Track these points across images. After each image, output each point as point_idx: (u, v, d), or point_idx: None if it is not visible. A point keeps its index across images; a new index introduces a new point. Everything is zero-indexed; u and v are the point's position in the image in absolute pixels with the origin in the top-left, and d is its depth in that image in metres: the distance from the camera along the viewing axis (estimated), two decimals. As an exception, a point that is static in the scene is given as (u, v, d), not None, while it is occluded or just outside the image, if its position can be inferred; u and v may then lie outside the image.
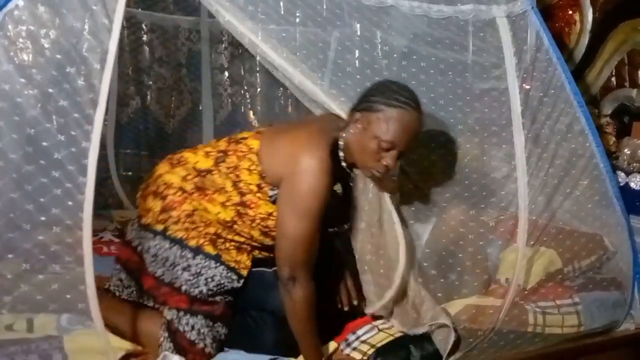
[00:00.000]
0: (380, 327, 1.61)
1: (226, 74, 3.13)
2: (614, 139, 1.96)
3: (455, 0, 1.86)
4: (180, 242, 1.43)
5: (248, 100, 3.15)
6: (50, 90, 1.22)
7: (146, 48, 2.94)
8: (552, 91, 1.77)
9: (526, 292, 1.65)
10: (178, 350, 1.40)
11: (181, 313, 1.41)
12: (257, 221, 1.47)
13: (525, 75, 1.76)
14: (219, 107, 3.12)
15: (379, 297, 1.64)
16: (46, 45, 1.24)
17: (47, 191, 1.20)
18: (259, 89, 3.11)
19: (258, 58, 1.84)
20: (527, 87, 1.77)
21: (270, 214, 1.47)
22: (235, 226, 1.48)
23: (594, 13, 2.07)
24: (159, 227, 1.45)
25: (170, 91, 3.04)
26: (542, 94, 1.77)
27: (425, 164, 1.84)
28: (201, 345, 1.40)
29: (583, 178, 1.78)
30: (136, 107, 2.98)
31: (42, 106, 1.21)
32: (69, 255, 1.23)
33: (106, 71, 1.27)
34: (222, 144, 1.55)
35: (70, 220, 1.21)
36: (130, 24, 2.81)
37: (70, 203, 1.20)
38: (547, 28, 1.80)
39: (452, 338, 1.49)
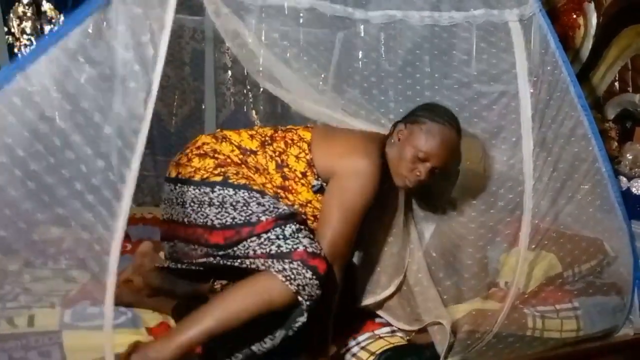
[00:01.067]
0: (382, 335, 1.60)
1: (229, 73, 3.13)
2: (616, 143, 1.95)
3: (467, 4, 1.86)
4: (245, 187, 1.39)
5: (251, 100, 3.15)
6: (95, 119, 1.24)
7: (184, 53, 2.96)
8: (558, 94, 1.76)
9: (526, 296, 1.65)
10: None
11: (277, 230, 1.33)
12: (295, 207, 1.48)
13: (535, 79, 1.76)
14: (222, 107, 3.13)
15: (374, 292, 1.64)
16: (92, 74, 1.26)
17: (79, 214, 1.22)
18: (261, 89, 3.11)
19: (261, 60, 1.84)
20: (531, 90, 1.77)
21: (309, 202, 1.49)
22: None
23: (598, 17, 2.06)
24: (218, 179, 1.39)
25: (173, 90, 3.04)
26: (548, 97, 1.76)
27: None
28: (311, 248, 1.32)
29: (585, 182, 1.78)
30: (139, 105, 2.98)
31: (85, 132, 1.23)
32: (75, 253, 1.24)
33: (150, 99, 1.28)
34: (268, 131, 1.57)
35: (77, 219, 1.23)
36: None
37: (76, 202, 1.22)
38: (554, 31, 1.79)
39: (449, 339, 1.49)
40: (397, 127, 1.56)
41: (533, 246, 1.67)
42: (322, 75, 2.41)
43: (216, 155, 1.47)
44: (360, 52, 2.64)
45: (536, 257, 1.68)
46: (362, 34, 2.66)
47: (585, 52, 2.12)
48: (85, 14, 1.24)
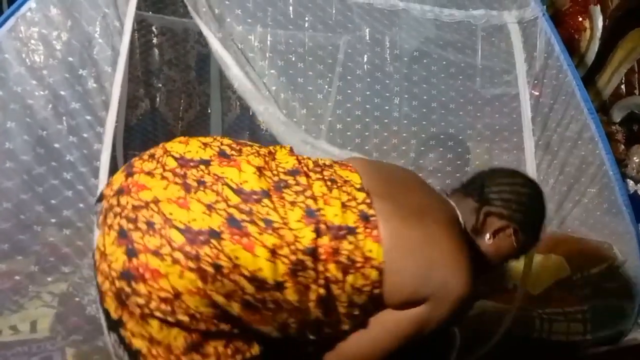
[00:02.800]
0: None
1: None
2: (623, 146, 1.95)
3: (467, 4, 1.87)
4: None
5: (257, 104, 3.16)
6: (62, 92, 1.23)
7: (156, 51, 2.95)
8: (563, 98, 1.77)
9: (533, 299, 1.64)
10: None
11: None
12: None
13: (536, 82, 1.76)
14: (227, 110, 3.14)
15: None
16: (58, 48, 1.25)
17: (58, 193, 1.21)
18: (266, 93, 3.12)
19: (267, 62, 1.85)
20: (536, 93, 1.77)
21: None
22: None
23: (604, 20, 2.06)
24: None
25: (179, 94, 3.06)
26: (552, 100, 1.77)
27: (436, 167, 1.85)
28: None
29: (592, 186, 1.77)
30: (145, 109, 3.00)
31: (54, 108, 1.22)
32: (79, 258, 1.24)
33: (117, 73, 1.28)
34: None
35: (82, 223, 1.21)
36: (141, 26, 2.83)
37: (81, 205, 1.22)
38: (558, 34, 1.79)
39: (457, 341, 1.49)
40: (488, 217, 1.11)
41: (541, 249, 1.67)
42: (327, 78, 2.43)
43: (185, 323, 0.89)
44: (365, 57, 2.66)
45: (544, 260, 1.67)
46: (367, 38, 2.68)
47: (592, 55, 2.12)
48: None
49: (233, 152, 0.98)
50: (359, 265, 0.93)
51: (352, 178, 1.01)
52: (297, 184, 0.96)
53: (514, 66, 1.80)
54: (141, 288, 0.84)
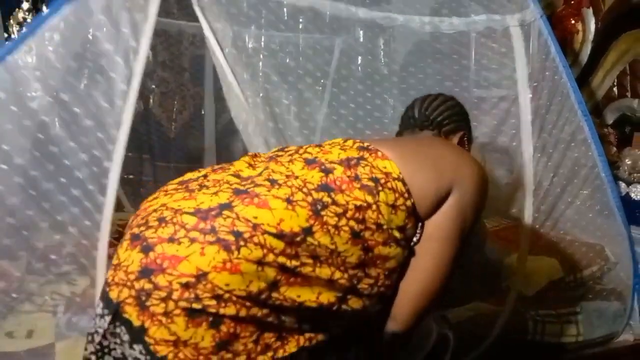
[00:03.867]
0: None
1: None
2: (615, 148, 1.96)
3: (467, 9, 1.87)
4: None
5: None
6: (76, 109, 1.24)
7: (150, 52, 2.94)
8: (558, 99, 1.77)
9: (527, 300, 1.65)
10: None
11: None
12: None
13: (535, 84, 1.76)
14: (222, 112, 3.13)
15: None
16: (73, 65, 1.25)
17: (66, 209, 1.22)
18: (260, 94, 3.12)
19: (261, 63, 1.85)
20: (530, 95, 1.77)
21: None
22: None
23: (596, 23, 2.07)
24: None
25: (173, 95, 3.05)
26: (548, 102, 1.77)
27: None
28: None
29: (585, 187, 1.78)
30: (139, 110, 2.99)
31: (66, 125, 1.22)
32: (80, 274, 1.25)
33: (131, 92, 1.29)
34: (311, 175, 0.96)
35: (86, 240, 1.24)
36: (160, 38, 2.83)
37: (87, 223, 1.23)
38: (554, 36, 1.80)
39: (451, 343, 1.49)
40: (448, 137, 1.27)
41: (533, 251, 1.67)
42: (322, 80, 2.43)
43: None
44: (360, 58, 2.66)
45: (538, 262, 1.68)
46: (362, 40, 2.68)
47: (584, 57, 2.13)
48: (64, 2, 1.22)
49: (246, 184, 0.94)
50: (383, 181, 0.96)
51: (348, 143, 1.05)
52: (292, 151, 1.04)
53: (512, 70, 1.80)
54: (161, 280, 0.81)
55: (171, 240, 0.84)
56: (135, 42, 1.32)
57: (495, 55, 1.92)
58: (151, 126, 2.99)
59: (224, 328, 0.83)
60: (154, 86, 2.95)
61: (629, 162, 1.77)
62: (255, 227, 0.85)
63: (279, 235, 0.86)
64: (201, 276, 0.81)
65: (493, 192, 1.81)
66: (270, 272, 0.85)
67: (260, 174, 0.95)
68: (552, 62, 1.77)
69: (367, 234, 0.92)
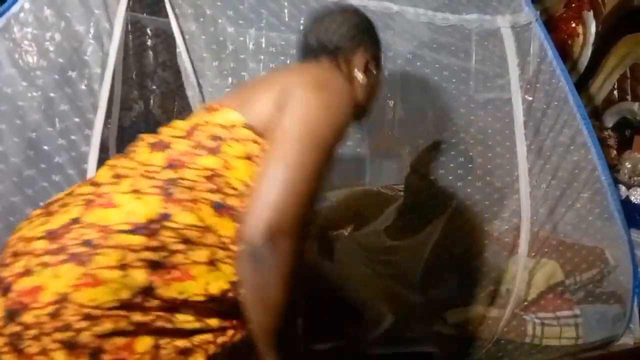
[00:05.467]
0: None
1: (229, 79, 3.13)
2: (615, 152, 1.95)
3: (460, 8, 1.87)
4: None
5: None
6: (52, 94, 1.22)
7: (150, 52, 2.95)
8: (556, 103, 1.78)
9: (526, 303, 1.65)
10: None
11: None
12: None
13: (528, 86, 1.77)
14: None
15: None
16: (49, 49, 1.24)
17: (48, 195, 1.20)
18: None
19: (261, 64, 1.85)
20: (529, 98, 1.78)
21: None
22: None
23: (597, 26, 2.07)
24: None
25: (173, 96, 3.05)
26: (545, 105, 1.78)
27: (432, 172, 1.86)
28: None
29: (585, 191, 1.78)
30: (139, 110, 2.99)
31: (44, 110, 1.21)
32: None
33: (106, 75, 1.28)
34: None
35: None
36: (135, 28, 2.81)
37: None
38: (551, 40, 1.80)
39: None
40: (349, 63, 1.09)
41: (533, 254, 1.67)
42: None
43: None
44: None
45: (537, 265, 1.68)
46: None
47: (584, 60, 2.13)
48: None
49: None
50: (224, 135, 0.90)
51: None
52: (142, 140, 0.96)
53: (508, 70, 1.80)
54: (27, 318, 0.74)
55: (26, 273, 0.76)
56: (109, 24, 1.30)
57: (496, 57, 1.92)
58: (151, 126, 2.98)
59: (105, 357, 0.75)
60: (154, 87, 2.95)
61: (629, 166, 1.77)
62: (104, 229, 0.78)
63: (134, 230, 0.78)
64: (63, 300, 0.74)
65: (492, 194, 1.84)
66: (138, 274, 0.77)
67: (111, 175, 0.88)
68: (548, 66, 1.77)
69: (229, 201, 0.85)
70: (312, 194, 0.84)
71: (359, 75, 1.08)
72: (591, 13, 2.10)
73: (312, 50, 1.09)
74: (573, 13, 2.14)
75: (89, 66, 1.27)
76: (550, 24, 2.22)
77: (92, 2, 1.29)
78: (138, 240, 0.78)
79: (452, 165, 1.80)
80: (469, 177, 1.79)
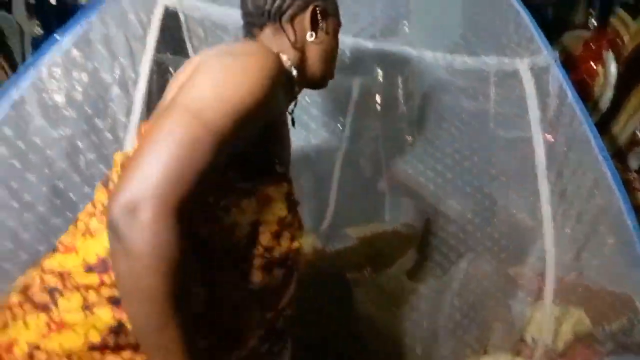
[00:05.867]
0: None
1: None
2: (641, 194, 1.91)
3: (478, 50, 1.88)
4: None
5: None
6: (79, 143, 1.25)
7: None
8: (578, 146, 1.76)
9: (554, 354, 1.59)
10: None
11: None
12: None
13: (549, 129, 1.75)
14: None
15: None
16: (77, 98, 1.27)
17: None
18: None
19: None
20: (551, 139, 1.76)
21: None
22: None
23: (617, 67, 2.06)
24: None
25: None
26: (566, 148, 1.76)
27: (454, 213, 1.84)
28: None
29: (610, 236, 1.74)
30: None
31: (71, 158, 1.23)
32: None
33: (132, 122, 1.30)
34: None
35: None
36: (159, 69, 2.88)
37: None
38: (571, 81, 1.79)
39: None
40: (293, 24, 0.96)
41: (558, 301, 1.63)
42: (340, 119, 2.45)
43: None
44: (377, 96, 2.68)
45: (564, 313, 1.63)
46: (380, 79, 2.71)
47: (606, 100, 2.11)
48: (64, 35, 1.24)
49: None
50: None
51: None
52: None
53: (527, 111, 1.80)
54: None
55: (4, 326, 0.77)
56: (134, 72, 1.33)
57: (515, 97, 1.92)
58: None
59: None
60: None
61: (656, 209, 1.73)
62: (62, 273, 0.77)
63: (90, 269, 0.76)
64: (34, 350, 0.74)
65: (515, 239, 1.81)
66: (103, 313, 0.75)
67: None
68: (569, 108, 1.76)
69: None
70: (206, 164, 0.68)
71: (308, 35, 0.95)
72: (611, 53, 2.09)
73: (256, 20, 0.96)
74: (592, 53, 2.14)
75: (115, 113, 1.30)
76: (569, 64, 2.22)
77: (119, 50, 1.33)
78: (95, 278, 0.76)
79: (475, 208, 1.78)
80: (494, 220, 1.76)
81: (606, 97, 2.11)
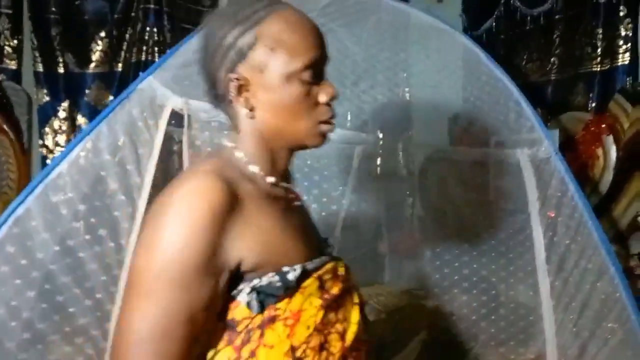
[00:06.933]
0: None
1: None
2: (644, 283, 1.91)
3: (478, 140, 1.91)
4: None
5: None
6: (82, 254, 1.25)
7: (175, 157, 3.05)
8: (579, 238, 1.76)
9: None
10: None
11: None
12: None
13: (549, 221, 1.76)
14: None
15: None
16: (82, 209, 1.28)
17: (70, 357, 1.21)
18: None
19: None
20: (550, 233, 1.77)
21: None
22: None
23: (617, 151, 2.08)
24: None
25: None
26: (568, 241, 1.76)
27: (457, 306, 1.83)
28: None
29: (616, 329, 1.71)
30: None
31: (73, 271, 1.24)
32: None
33: (134, 229, 1.31)
34: None
35: None
36: (165, 139, 2.93)
37: None
38: (571, 165, 1.80)
39: None
40: (229, 87, 0.81)
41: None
42: (342, 183, 2.47)
43: None
44: (378, 160, 2.70)
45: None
46: (381, 142, 2.74)
47: (605, 183, 2.13)
48: (72, 145, 1.26)
49: None
50: None
51: None
52: None
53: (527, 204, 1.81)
54: None
55: None
56: (139, 178, 1.35)
57: (513, 185, 1.94)
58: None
59: None
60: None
61: (659, 303, 1.71)
62: None
63: None
64: None
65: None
66: None
67: None
68: (570, 200, 1.77)
69: None
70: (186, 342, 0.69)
71: (243, 113, 0.81)
72: (611, 137, 2.12)
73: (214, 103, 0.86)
74: (592, 136, 2.17)
75: (119, 222, 1.31)
76: (569, 146, 2.25)
77: (127, 158, 1.35)
78: None
79: (474, 304, 1.77)
80: (492, 317, 1.75)
81: (606, 180, 2.12)
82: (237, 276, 0.75)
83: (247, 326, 0.74)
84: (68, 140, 2.89)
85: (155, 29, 2.91)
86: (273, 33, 0.79)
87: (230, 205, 0.73)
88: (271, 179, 0.83)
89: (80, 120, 2.92)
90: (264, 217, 0.78)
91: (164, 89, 1.43)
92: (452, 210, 2.22)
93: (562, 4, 2.70)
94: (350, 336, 0.81)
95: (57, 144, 2.89)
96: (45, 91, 2.85)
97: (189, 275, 0.69)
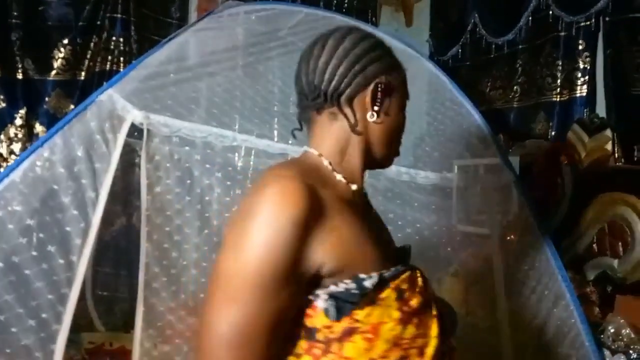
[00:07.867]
0: None
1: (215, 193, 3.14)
2: (597, 309, 1.95)
3: (440, 167, 1.93)
4: None
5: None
6: (27, 271, 1.19)
7: (137, 170, 2.96)
8: (537, 264, 1.79)
9: None
10: None
11: None
12: None
13: (509, 249, 1.79)
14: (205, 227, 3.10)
15: None
16: (30, 224, 1.23)
17: None
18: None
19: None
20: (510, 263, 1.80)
21: None
22: None
23: (574, 179, 2.14)
24: None
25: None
26: (527, 267, 1.79)
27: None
28: None
29: (571, 355, 1.75)
30: (121, 225, 2.95)
31: (16, 289, 1.17)
32: None
33: (86, 246, 1.26)
34: None
35: None
36: (126, 151, 2.85)
37: None
38: (532, 199, 1.85)
39: None
40: (352, 105, 0.89)
41: None
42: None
43: None
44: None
45: None
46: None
47: (563, 210, 2.18)
48: (23, 157, 1.22)
49: None
50: None
51: None
52: None
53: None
54: None
55: None
56: (94, 192, 1.30)
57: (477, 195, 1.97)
58: (131, 242, 2.94)
59: None
60: (138, 203, 2.93)
61: (612, 330, 1.75)
62: None
63: None
64: None
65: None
66: None
67: None
68: (529, 225, 1.81)
69: None
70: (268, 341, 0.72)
71: (369, 115, 0.88)
72: (569, 167, 2.18)
73: (310, 103, 0.89)
74: (552, 165, 2.23)
75: (70, 238, 1.26)
76: (530, 171, 2.31)
77: (82, 172, 1.30)
78: None
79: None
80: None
81: (563, 208, 2.18)
82: (313, 281, 0.76)
83: (326, 336, 0.75)
84: (24, 149, 2.78)
85: (121, 39, 2.85)
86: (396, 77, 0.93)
87: (314, 210, 0.75)
88: (354, 186, 0.88)
89: (38, 128, 2.82)
90: (345, 222, 0.79)
91: (124, 102, 1.39)
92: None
93: (525, 34, 2.79)
94: (430, 351, 0.80)
95: (11, 152, 2.77)
96: (2, 97, 2.74)
97: (275, 282, 0.71)
